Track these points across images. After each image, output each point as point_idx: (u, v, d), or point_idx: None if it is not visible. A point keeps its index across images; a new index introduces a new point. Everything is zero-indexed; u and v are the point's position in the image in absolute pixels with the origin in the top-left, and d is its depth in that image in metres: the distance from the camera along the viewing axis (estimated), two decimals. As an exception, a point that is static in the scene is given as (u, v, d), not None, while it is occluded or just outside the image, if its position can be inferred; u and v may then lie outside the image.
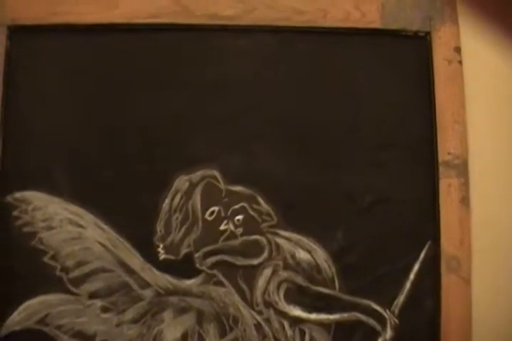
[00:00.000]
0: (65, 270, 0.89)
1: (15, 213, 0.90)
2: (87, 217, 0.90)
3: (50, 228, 0.90)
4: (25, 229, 0.90)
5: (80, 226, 0.90)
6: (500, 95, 0.93)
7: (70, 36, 0.93)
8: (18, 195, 0.90)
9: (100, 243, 0.89)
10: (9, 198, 0.90)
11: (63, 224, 0.90)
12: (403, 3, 0.93)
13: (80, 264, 0.89)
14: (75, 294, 0.89)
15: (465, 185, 0.88)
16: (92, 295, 0.89)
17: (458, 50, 0.91)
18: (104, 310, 0.89)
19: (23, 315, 0.89)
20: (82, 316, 0.89)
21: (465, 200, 0.88)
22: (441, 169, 0.88)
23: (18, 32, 0.93)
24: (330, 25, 0.92)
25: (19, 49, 0.93)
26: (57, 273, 0.89)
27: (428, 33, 0.93)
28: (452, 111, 0.90)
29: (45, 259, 0.89)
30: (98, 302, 0.89)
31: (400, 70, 0.93)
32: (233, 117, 0.91)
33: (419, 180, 0.90)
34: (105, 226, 0.89)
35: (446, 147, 0.89)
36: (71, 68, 0.92)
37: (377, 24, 0.92)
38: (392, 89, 0.92)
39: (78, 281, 0.89)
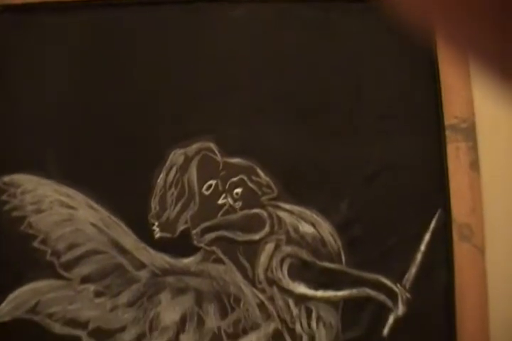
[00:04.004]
0: (56, 254, 0.85)
1: (3, 197, 0.86)
2: (78, 198, 0.85)
3: (39, 211, 0.86)
4: (14, 214, 0.86)
5: (71, 207, 0.86)
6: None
7: (60, 14, 0.90)
8: (6, 178, 0.86)
9: (92, 224, 0.85)
10: (-3, 182, 0.86)
11: (53, 206, 0.86)
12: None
13: (71, 247, 0.85)
14: (67, 279, 0.84)
15: (473, 148, 0.83)
16: (85, 280, 0.84)
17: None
18: (98, 294, 0.84)
19: (12, 304, 0.84)
20: (74, 302, 0.84)
21: (474, 165, 0.83)
22: (447, 133, 0.84)
23: (6, 11, 0.90)
24: (328, -9, 0.89)
25: (8, 28, 0.89)
26: (48, 257, 0.84)
27: None
28: (457, 72, 0.86)
29: (35, 244, 0.85)
30: (91, 287, 0.84)
31: (402, 36, 0.89)
32: (229, 89, 0.87)
33: (426, 146, 0.85)
34: (97, 206, 0.85)
35: (452, 110, 0.85)
36: (61, 47, 0.89)
37: (376, -12, 0.90)
38: (395, 55, 0.88)
39: (70, 265, 0.84)
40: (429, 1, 0.19)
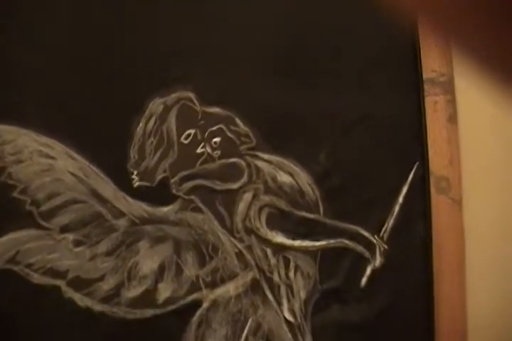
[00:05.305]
0: (36, 203, 0.84)
1: (-17, 149, 0.86)
2: (57, 148, 0.85)
3: (19, 161, 0.86)
4: (-6, 165, 0.86)
5: (51, 157, 0.85)
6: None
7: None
8: (-14, 130, 0.86)
9: (72, 173, 0.85)
10: (-23, 134, 0.86)
11: (33, 156, 0.86)
12: None
13: (51, 196, 0.85)
14: (46, 229, 0.84)
15: (452, 102, 0.84)
16: (64, 229, 0.84)
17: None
18: (77, 243, 0.84)
19: (-8, 255, 0.84)
20: (54, 252, 0.84)
21: (452, 118, 0.84)
22: (426, 87, 0.84)
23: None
24: None
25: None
26: (28, 207, 0.84)
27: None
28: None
29: (15, 194, 0.85)
30: (70, 236, 0.84)
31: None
32: (209, 38, 0.86)
33: (404, 99, 0.85)
34: (77, 156, 0.85)
35: (430, 64, 0.85)
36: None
37: None
38: (374, 9, 0.88)
39: (49, 214, 0.84)
40: None
